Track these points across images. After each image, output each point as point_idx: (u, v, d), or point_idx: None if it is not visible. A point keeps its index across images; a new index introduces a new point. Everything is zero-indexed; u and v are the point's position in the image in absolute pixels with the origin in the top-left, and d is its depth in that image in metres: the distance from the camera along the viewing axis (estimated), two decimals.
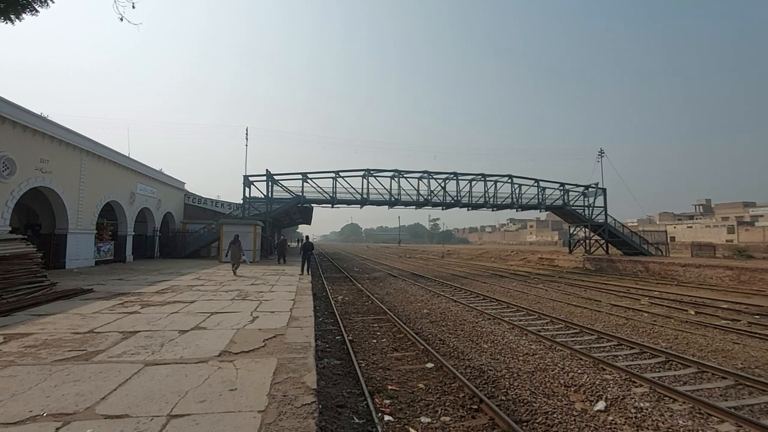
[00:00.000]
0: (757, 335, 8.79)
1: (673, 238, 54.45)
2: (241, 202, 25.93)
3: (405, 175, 27.01)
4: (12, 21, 9.08)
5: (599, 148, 36.86)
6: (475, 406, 5.11)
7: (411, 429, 4.53)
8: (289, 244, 34.82)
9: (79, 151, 17.51)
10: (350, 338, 8.49)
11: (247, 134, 32.18)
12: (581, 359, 7.07)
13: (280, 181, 25.60)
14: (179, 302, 8.66)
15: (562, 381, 6.05)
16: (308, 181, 25.67)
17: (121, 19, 7.70)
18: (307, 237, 18.79)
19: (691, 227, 70.76)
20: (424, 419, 4.78)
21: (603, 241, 30.34)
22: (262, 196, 25.42)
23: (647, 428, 4.60)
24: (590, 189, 30.16)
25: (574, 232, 33.27)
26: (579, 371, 6.40)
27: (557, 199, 29.87)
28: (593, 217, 29.61)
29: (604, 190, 30.03)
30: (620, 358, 7.29)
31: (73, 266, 16.92)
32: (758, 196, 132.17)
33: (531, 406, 5.17)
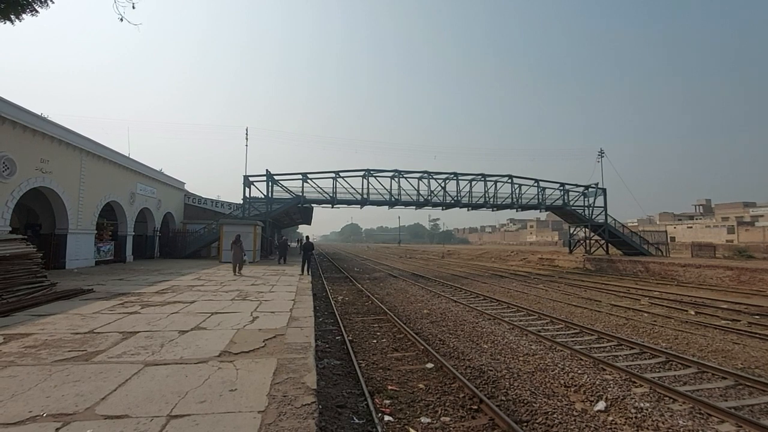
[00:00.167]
0: (757, 335, 8.78)
1: (673, 239, 54.44)
2: (241, 202, 25.93)
3: (405, 175, 27.01)
4: (12, 21, 9.08)
5: (599, 148, 36.91)
6: (475, 407, 5.11)
7: (411, 429, 4.53)
8: (289, 244, 34.83)
9: (79, 151, 17.52)
10: (350, 338, 8.49)
11: (247, 134, 32.21)
12: (581, 359, 7.07)
13: (280, 181, 25.61)
14: (179, 302, 8.66)
15: (562, 381, 6.05)
16: (308, 181, 25.67)
17: (121, 20, 7.70)
18: (307, 237, 18.80)
19: (691, 227, 70.77)
20: (424, 419, 4.77)
21: (603, 241, 30.34)
22: (262, 196, 25.42)
23: (647, 428, 4.59)
24: (590, 189, 30.17)
25: (574, 233, 33.27)
26: (579, 371, 6.40)
27: (557, 199, 29.87)
28: (593, 217, 29.61)
29: (604, 190, 30.04)
30: (620, 358, 7.28)
31: (73, 266, 16.92)
32: (758, 196, 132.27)
33: (531, 407, 5.17)
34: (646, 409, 5.00)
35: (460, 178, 27.62)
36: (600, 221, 29.49)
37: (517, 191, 28.61)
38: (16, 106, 13.74)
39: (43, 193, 16.04)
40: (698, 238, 58.60)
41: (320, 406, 4.15)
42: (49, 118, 16.24)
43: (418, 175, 27.19)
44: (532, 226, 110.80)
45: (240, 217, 25.20)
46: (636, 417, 4.83)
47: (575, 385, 5.84)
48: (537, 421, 4.79)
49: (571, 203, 29.96)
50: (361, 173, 26.11)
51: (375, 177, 26.39)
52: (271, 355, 4.87)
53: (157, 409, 3.27)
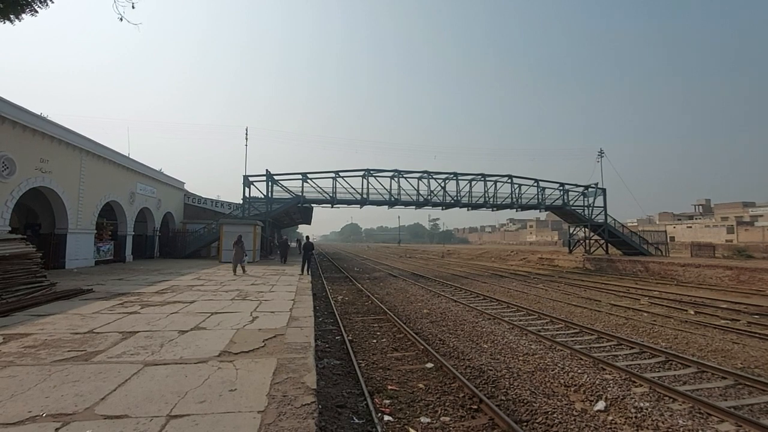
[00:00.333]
0: (756, 335, 8.79)
1: (672, 238, 54.46)
2: (241, 202, 25.93)
3: (405, 175, 27.00)
4: (12, 21, 9.07)
5: (599, 148, 36.90)
6: (475, 406, 5.11)
7: (411, 429, 4.53)
8: (289, 243, 34.88)
9: (79, 151, 17.51)
10: (350, 338, 8.49)
11: (246, 134, 32.18)
12: (581, 359, 7.07)
13: (280, 181, 25.59)
14: (179, 302, 8.65)
15: (562, 381, 6.05)
16: (308, 181, 25.66)
17: (121, 19, 7.69)
18: (307, 237, 18.80)
19: (690, 227, 70.80)
20: (424, 419, 4.77)
21: (603, 241, 30.34)
22: (262, 196, 25.42)
23: (647, 428, 4.59)
24: (590, 189, 30.17)
25: (574, 232, 33.27)
26: (579, 371, 6.40)
27: (557, 199, 29.87)
28: (593, 217, 29.61)
29: (603, 190, 30.04)
30: (620, 357, 7.28)
31: (73, 266, 16.91)
32: (758, 196, 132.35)
33: (531, 406, 5.17)
34: (646, 409, 5.01)
35: (459, 178, 27.61)
36: (600, 221, 29.49)
37: (516, 191, 28.60)
38: (16, 105, 13.73)
39: (42, 192, 16.02)
40: (698, 238, 58.64)
41: (320, 406, 4.15)
42: (48, 118, 16.23)
43: (418, 175, 27.17)
44: (531, 226, 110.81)
45: (240, 217, 25.19)
46: (636, 417, 4.83)
47: (575, 385, 5.84)
48: (537, 421, 4.79)
49: (571, 203, 29.96)
50: (361, 173, 26.09)
51: (375, 177, 26.37)
52: (271, 355, 4.87)
53: (156, 409, 3.27)
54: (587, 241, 31.81)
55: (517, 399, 5.42)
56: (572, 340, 8.40)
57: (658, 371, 6.54)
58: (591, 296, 14.89)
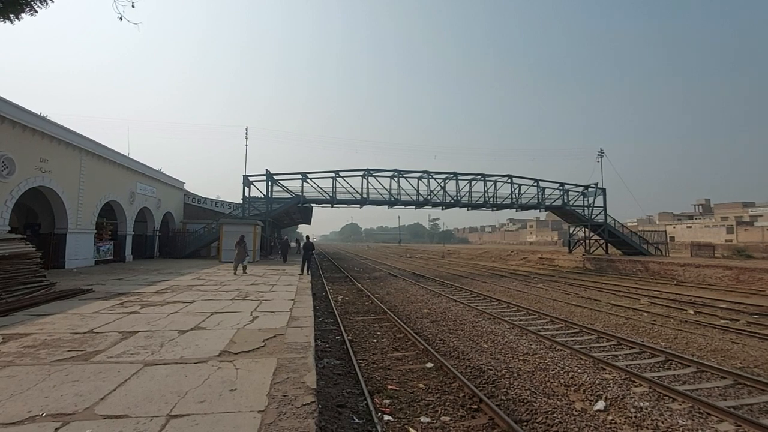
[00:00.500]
0: (756, 335, 8.79)
1: (672, 238, 54.48)
2: (241, 201, 25.92)
3: (405, 175, 26.99)
4: (11, 20, 9.06)
5: (599, 148, 36.90)
6: (475, 406, 5.11)
7: (411, 429, 4.53)
8: (289, 243, 34.91)
9: (79, 150, 17.50)
10: (350, 338, 8.49)
11: (246, 134, 32.18)
12: (581, 359, 7.07)
13: (280, 181, 25.59)
14: (179, 302, 8.65)
15: (562, 380, 6.05)
16: (308, 180, 25.65)
17: (121, 19, 7.69)
18: (307, 237, 18.79)
19: (690, 227, 70.83)
20: (424, 419, 4.77)
21: (603, 241, 30.35)
22: (262, 196, 25.41)
23: (647, 428, 4.60)
24: (590, 189, 30.17)
25: (574, 232, 33.29)
26: (579, 371, 6.40)
27: (557, 199, 29.87)
28: (593, 217, 29.62)
29: (603, 190, 30.04)
30: (620, 357, 7.29)
31: (73, 266, 16.90)
32: (758, 196, 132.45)
33: (531, 406, 5.17)
34: (646, 409, 5.01)
35: (459, 177, 27.61)
36: (599, 221, 29.50)
37: (516, 191, 28.60)
38: (15, 105, 13.72)
39: (42, 192, 16.01)
40: (697, 238, 58.65)
41: (320, 406, 4.15)
42: (48, 118, 16.22)
43: (417, 174, 27.17)
44: (531, 226, 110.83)
45: (240, 216, 25.19)
46: (635, 416, 4.84)
47: (575, 385, 5.84)
48: (537, 421, 4.79)
49: (571, 203, 29.96)
50: (361, 173, 26.09)
51: (375, 177, 26.37)
52: (271, 355, 4.86)
53: (156, 409, 3.26)
54: (587, 241, 31.83)
55: (517, 399, 5.42)
56: (572, 340, 8.40)
57: (658, 371, 6.54)
58: (591, 296, 14.90)
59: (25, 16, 9.25)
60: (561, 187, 29.84)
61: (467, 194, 27.95)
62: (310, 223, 55.06)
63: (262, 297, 9.61)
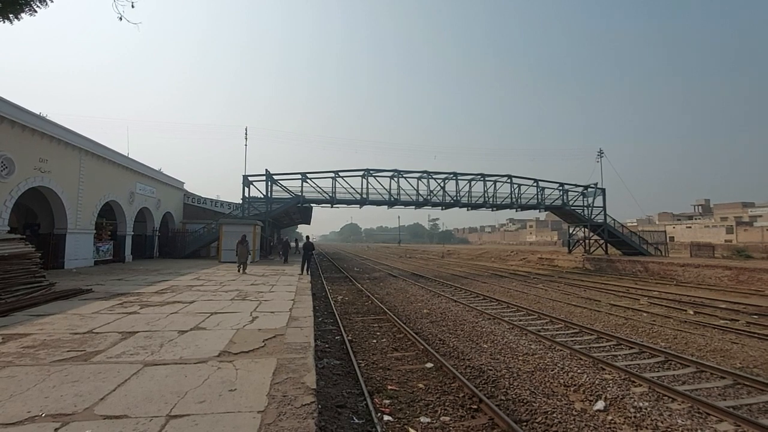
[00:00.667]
0: (755, 335, 8.80)
1: (672, 238, 54.52)
2: (241, 201, 25.92)
3: (404, 175, 27.00)
4: (11, 20, 9.06)
5: (599, 148, 36.94)
6: (475, 406, 5.11)
7: (411, 429, 4.53)
8: (289, 243, 34.88)
9: (79, 150, 17.49)
10: (350, 338, 8.49)
11: (246, 134, 32.20)
12: (581, 359, 7.08)
13: (280, 181, 25.59)
14: (179, 302, 8.65)
15: (561, 381, 6.06)
16: (308, 181, 25.65)
17: (120, 19, 7.69)
18: (307, 237, 18.79)
19: (690, 227, 70.87)
20: (424, 419, 4.78)
21: (602, 241, 30.37)
22: (262, 196, 25.41)
23: (646, 428, 4.60)
24: (589, 189, 30.20)
25: (574, 232, 33.30)
26: (578, 371, 6.41)
27: (556, 199, 29.89)
28: (592, 217, 29.64)
29: (603, 190, 30.06)
30: (619, 357, 7.29)
31: (72, 266, 16.89)
32: (757, 196, 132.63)
33: (531, 406, 5.17)
34: (645, 409, 5.01)
35: (459, 178, 27.62)
36: (599, 221, 29.52)
37: (516, 191, 28.62)
38: (15, 105, 13.71)
39: (41, 192, 16.00)
40: (697, 238, 58.68)
41: (320, 406, 4.15)
42: (48, 118, 16.22)
43: (417, 174, 27.18)
44: (531, 226, 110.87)
45: (240, 216, 25.19)
46: (635, 416, 4.84)
47: (575, 385, 5.85)
48: (536, 421, 4.79)
49: (571, 203, 29.98)
50: (361, 173, 26.09)
51: (374, 177, 26.37)
52: (271, 355, 4.86)
53: (156, 409, 3.26)
54: (587, 241, 31.84)
55: (516, 399, 5.42)
56: (572, 340, 8.41)
57: (658, 371, 6.55)
58: (590, 296, 14.90)
59: (25, 16, 9.25)
60: (561, 187, 29.86)
61: (467, 194, 27.96)
62: (309, 223, 55.07)
63: (261, 297, 9.61)
